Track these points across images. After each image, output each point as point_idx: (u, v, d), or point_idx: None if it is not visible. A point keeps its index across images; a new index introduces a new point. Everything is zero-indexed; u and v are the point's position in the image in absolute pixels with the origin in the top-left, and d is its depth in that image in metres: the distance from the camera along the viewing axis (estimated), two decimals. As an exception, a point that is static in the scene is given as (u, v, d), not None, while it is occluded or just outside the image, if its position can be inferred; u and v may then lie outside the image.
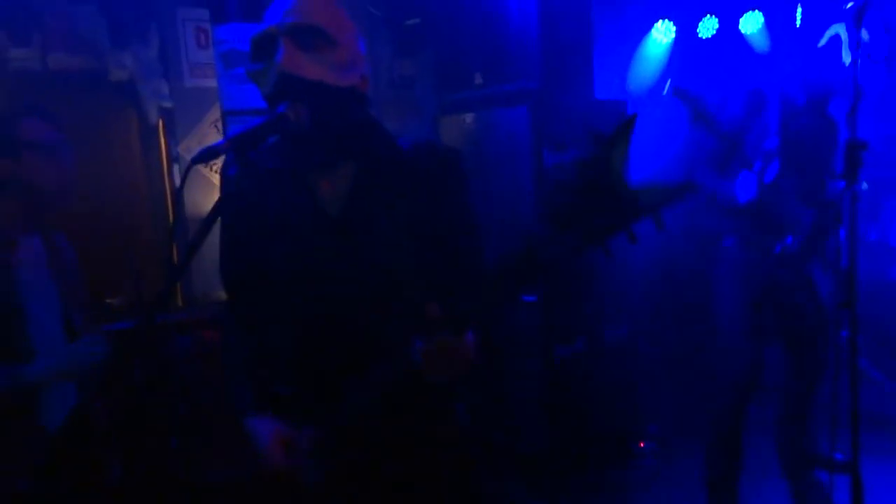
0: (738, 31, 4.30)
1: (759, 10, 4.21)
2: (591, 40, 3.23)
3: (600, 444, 3.28)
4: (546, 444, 3.10)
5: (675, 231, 3.10)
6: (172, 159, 3.58)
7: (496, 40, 3.15)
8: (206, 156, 1.10)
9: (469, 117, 3.19)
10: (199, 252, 1.13)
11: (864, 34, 1.93)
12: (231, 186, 1.41)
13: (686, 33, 4.40)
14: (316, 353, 1.33)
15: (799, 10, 4.15)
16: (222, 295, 1.51)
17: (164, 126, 3.54)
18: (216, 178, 3.62)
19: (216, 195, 3.56)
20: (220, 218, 1.23)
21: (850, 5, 1.99)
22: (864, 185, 2.49)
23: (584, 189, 0.98)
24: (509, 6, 3.07)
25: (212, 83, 3.43)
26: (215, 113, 3.43)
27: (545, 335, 3.08)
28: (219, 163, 1.40)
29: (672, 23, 4.38)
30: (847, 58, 2.68)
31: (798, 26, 4.17)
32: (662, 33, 4.41)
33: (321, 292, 1.31)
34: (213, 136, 3.66)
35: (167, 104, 3.55)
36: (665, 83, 4.43)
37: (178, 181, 3.62)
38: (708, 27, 4.33)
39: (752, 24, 4.26)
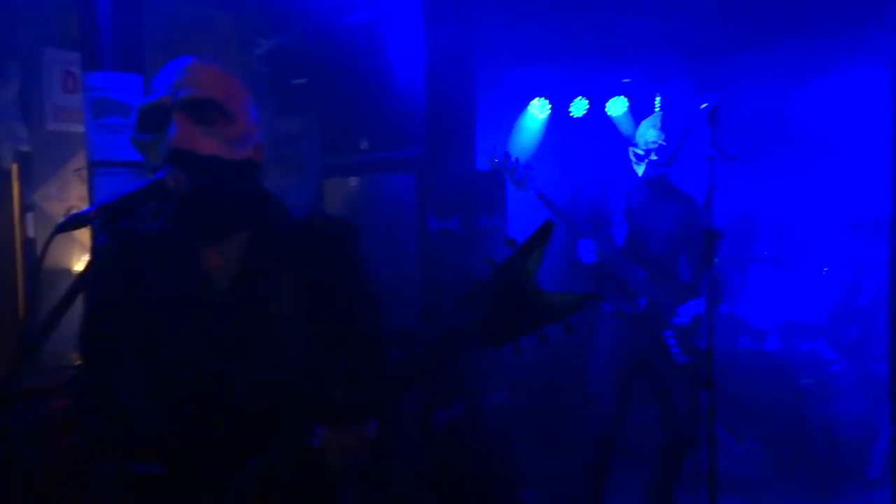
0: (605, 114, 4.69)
1: (625, 95, 4.62)
2: (476, 112, 3.36)
3: (475, 510, 3.26)
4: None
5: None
6: (26, 208, 3.29)
7: (383, 106, 3.19)
8: (72, 224, 1.05)
9: (354, 181, 3.18)
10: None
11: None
12: (100, 256, 1.31)
13: (560, 111, 4.71)
14: (194, 434, 1.23)
15: (658, 98, 4.61)
16: (76, 358, 1.37)
17: (20, 171, 3.26)
18: (78, 233, 3.37)
19: (76, 249, 3.30)
20: (85, 287, 1.13)
21: (704, 105, 2.22)
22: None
23: (500, 292, 1.04)
24: (397, 74, 3.14)
25: (77, 128, 3.17)
26: (80, 160, 3.19)
27: (424, 398, 3.06)
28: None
29: (547, 100, 4.67)
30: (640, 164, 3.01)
31: (657, 111, 4.61)
32: (538, 110, 4.69)
33: (203, 368, 1.24)
34: (75, 184, 3.41)
35: (24, 148, 3.28)
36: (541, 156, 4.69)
37: (31, 231, 3.31)
38: (579, 108, 4.67)
39: (617, 108, 4.66)
